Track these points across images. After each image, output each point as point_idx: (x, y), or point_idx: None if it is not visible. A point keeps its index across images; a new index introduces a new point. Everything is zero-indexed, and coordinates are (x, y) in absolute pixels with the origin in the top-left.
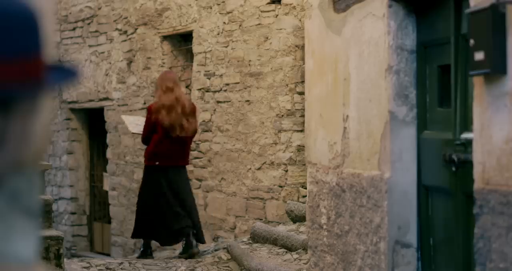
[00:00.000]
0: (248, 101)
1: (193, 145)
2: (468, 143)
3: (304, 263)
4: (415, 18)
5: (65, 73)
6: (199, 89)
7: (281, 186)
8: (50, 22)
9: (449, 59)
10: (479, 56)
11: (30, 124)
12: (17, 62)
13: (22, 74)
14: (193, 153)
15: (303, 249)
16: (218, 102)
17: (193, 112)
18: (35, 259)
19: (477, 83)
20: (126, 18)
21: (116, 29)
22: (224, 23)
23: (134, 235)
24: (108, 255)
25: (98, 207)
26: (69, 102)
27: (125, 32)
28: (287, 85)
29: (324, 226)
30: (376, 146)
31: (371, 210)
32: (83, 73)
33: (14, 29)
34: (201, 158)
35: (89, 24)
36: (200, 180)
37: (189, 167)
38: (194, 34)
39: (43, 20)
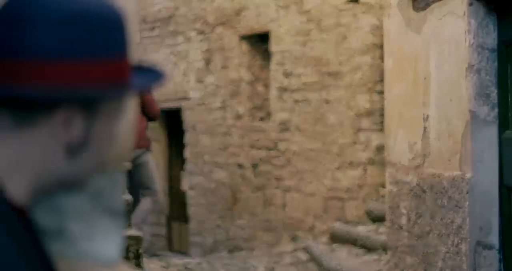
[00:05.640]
0: (326, 100)
1: (272, 145)
2: None
3: (383, 264)
4: (496, 17)
5: (151, 74)
6: (277, 88)
7: (360, 186)
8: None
9: None
10: None
11: (114, 125)
12: (104, 63)
13: (109, 75)
14: (272, 153)
15: (382, 250)
16: (296, 101)
17: None
18: (119, 258)
19: None
20: (203, 17)
21: (194, 28)
22: (302, 22)
23: None
24: (186, 254)
25: (176, 207)
26: None
27: (203, 31)
28: (365, 84)
29: (404, 227)
30: (457, 146)
31: (452, 211)
32: (168, 75)
33: (102, 30)
34: (280, 157)
35: (167, 24)
36: (278, 180)
37: (267, 167)
38: (271, 34)
39: (128, 21)
